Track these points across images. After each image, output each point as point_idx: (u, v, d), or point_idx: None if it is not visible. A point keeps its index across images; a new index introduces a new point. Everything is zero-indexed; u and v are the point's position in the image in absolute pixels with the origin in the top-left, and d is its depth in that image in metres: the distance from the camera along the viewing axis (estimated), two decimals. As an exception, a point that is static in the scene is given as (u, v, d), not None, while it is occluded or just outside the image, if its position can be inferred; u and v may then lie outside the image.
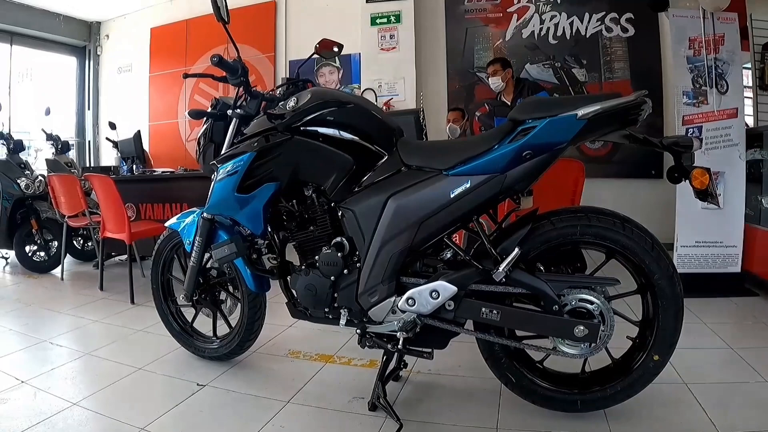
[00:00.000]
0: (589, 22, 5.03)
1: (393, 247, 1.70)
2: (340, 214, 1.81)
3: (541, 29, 5.12)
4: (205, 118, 2.09)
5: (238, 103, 1.97)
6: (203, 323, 2.43)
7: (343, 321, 1.82)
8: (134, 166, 4.63)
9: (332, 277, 1.81)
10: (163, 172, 4.65)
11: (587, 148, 4.96)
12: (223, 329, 2.37)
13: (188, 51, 6.36)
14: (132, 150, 4.59)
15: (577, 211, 1.65)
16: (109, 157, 5.94)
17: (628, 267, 1.68)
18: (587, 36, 5.00)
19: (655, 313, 1.64)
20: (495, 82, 4.13)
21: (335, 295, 1.83)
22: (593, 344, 1.58)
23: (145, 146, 5.14)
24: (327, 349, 2.45)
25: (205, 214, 2.08)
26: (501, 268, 1.57)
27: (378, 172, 1.76)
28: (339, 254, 1.79)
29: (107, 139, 5.06)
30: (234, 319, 2.30)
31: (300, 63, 2.18)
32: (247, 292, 2.14)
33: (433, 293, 1.66)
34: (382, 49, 5.45)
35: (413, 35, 5.36)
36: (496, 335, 1.70)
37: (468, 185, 1.59)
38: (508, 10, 5.27)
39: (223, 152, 1.95)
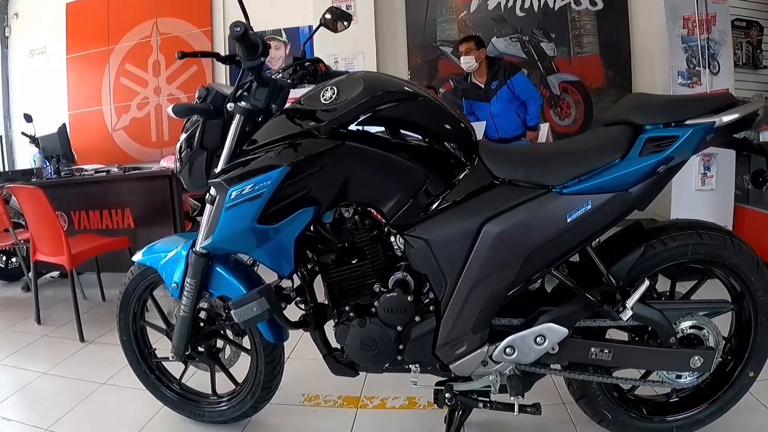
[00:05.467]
0: (557, -6, 4.68)
1: (490, 287, 1.27)
2: (402, 244, 1.33)
3: (507, 1, 4.70)
4: (191, 116, 1.48)
5: (240, 93, 1.37)
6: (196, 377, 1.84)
7: (416, 372, 1.41)
8: (59, 166, 3.77)
9: (399, 327, 1.34)
10: (96, 171, 3.81)
11: (556, 125, 4.68)
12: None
13: (110, 28, 5.37)
14: (57, 147, 3.74)
15: (686, 228, 1.38)
16: (25, 156, 4.91)
17: (726, 283, 1.47)
18: (555, 9, 4.65)
19: (754, 329, 1.44)
20: (468, 62, 3.65)
21: (401, 347, 1.38)
22: (704, 374, 1.39)
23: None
24: (348, 388, 1.95)
25: (199, 249, 1.49)
26: (630, 305, 1.27)
27: (460, 189, 1.30)
28: (408, 298, 1.30)
29: (23, 134, 4.11)
30: (235, 371, 1.74)
31: (305, 38, 1.60)
32: (263, 344, 1.59)
33: (539, 338, 1.32)
34: (338, 21, 4.79)
35: (372, 6, 4.77)
36: (594, 373, 1.40)
37: (589, 207, 1.24)
38: (472, -20, 4.80)
39: (225, 164, 1.36)
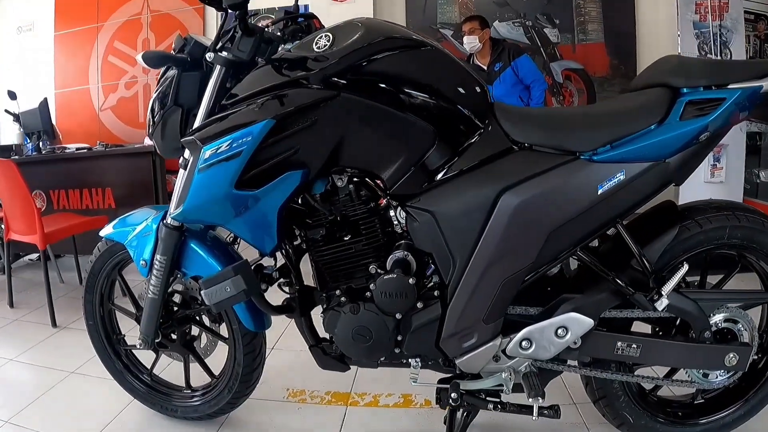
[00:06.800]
0: (562, -21, 4.48)
1: (506, 268, 1.09)
2: (403, 218, 1.14)
3: (511, -16, 4.50)
4: (165, 67, 1.27)
5: (222, 43, 1.17)
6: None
7: (416, 368, 1.22)
8: (41, 143, 3.54)
9: (398, 315, 1.15)
10: (77, 149, 3.57)
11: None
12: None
13: (99, 5, 5.10)
14: (38, 123, 3.50)
15: (722, 208, 1.21)
16: (8, 134, 4.67)
17: (760, 272, 1.29)
18: (560, -6, 4.45)
19: None
20: (471, 42, 3.45)
21: (399, 338, 1.18)
22: (737, 372, 1.23)
23: (53, 118, 4.00)
24: (336, 382, 1.75)
25: (170, 221, 1.29)
26: (665, 292, 1.11)
27: (472, 154, 1.11)
28: (410, 280, 1.10)
29: (6, 111, 3.87)
30: (212, 362, 1.55)
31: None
32: (241, 331, 1.39)
33: (560, 330, 1.15)
34: (334, 0, 4.57)
35: (370, -16, 4.55)
36: (617, 371, 1.24)
37: (623, 177, 1.08)
38: (475, -38, 4.59)
39: (201, 120, 1.16)
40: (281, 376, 1.83)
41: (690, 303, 1.16)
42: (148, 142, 3.53)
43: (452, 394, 1.21)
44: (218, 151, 1.08)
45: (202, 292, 1.19)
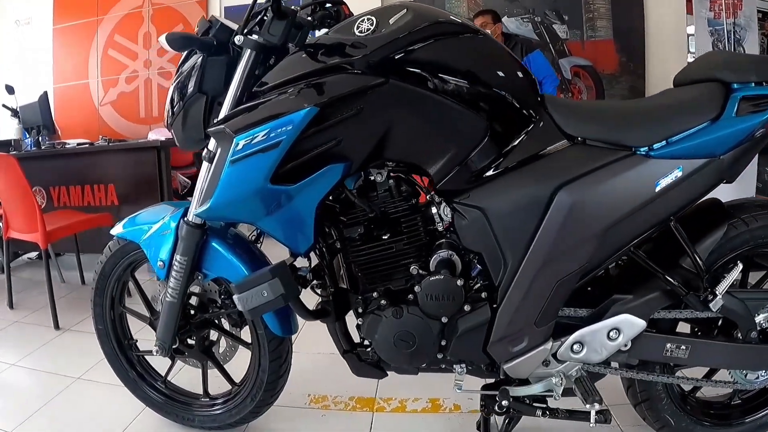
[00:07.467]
0: (571, -25, 4.42)
1: (562, 269, 1.03)
2: (447, 215, 1.07)
3: (520, -21, 4.41)
4: (186, 53, 1.16)
5: (251, 27, 1.07)
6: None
7: (461, 374, 1.15)
8: (40, 138, 3.41)
9: (444, 319, 1.07)
10: (78, 144, 3.45)
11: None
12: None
13: (99, -3, 4.97)
14: (37, 117, 3.37)
15: (766, 206, 1.17)
16: (6, 129, 4.52)
17: None
18: (569, -10, 4.37)
19: None
20: (483, 36, 3.38)
21: (443, 343, 1.11)
22: None
23: (52, 113, 3.86)
24: (359, 387, 1.65)
25: (192, 218, 1.19)
26: (720, 292, 1.06)
27: (526, 148, 1.04)
28: (458, 282, 1.02)
29: (4, 106, 3.73)
30: (230, 367, 1.45)
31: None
32: (267, 336, 1.28)
33: (612, 333, 1.09)
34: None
35: (377, -24, 4.43)
36: (662, 373, 1.18)
37: (680, 173, 1.03)
38: (484, -44, 4.50)
39: (229, 109, 1.06)
40: (300, 380, 1.71)
41: (738, 303, 1.11)
42: (152, 136, 3.42)
43: (503, 402, 1.13)
44: (253, 142, 0.98)
45: (235, 297, 1.09)
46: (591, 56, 4.39)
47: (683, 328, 1.22)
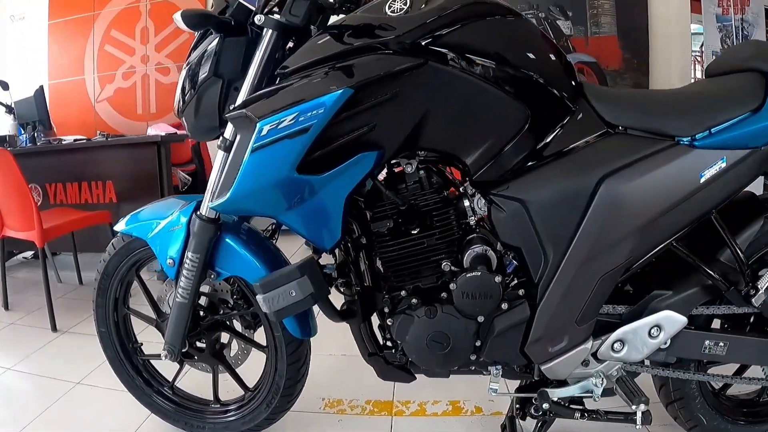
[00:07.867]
0: (575, -30, 4.37)
1: (606, 263, 0.98)
2: (481, 208, 1.00)
3: (524, -26, 4.35)
4: (200, 35, 1.08)
5: (270, 7, 0.98)
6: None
7: (497, 376, 1.08)
8: (36, 134, 3.30)
9: (480, 318, 1.00)
10: (75, 140, 3.34)
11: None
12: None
13: (96, -9, 4.85)
14: (33, 112, 3.27)
15: None
16: (0, 125, 4.41)
17: None
18: (573, -14, 4.32)
19: None
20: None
21: (478, 343, 1.04)
22: None
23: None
24: (375, 390, 1.58)
25: (206, 212, 1.10)
26: (762, 287, 1.02)
27: (567, 137, 0.98)
28: (496, 278, 0.94)
29: (-2, 102, 3.63)
30: (244, 371, 1.36)
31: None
32: (285, 339, 1.20)
33: (653, 330, 1.04)
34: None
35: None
36: (697, 371, 1.16)
37: (724, 164, 0.99)
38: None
39: (248, 93, 0.97)
40: (313, 384, 1.62)
41: None
42: (150, 132, 3.31)
43: (543, 404, 1.06)
44: (279, 127, 0.89)
45: (258, 297, 1.00)
46: (595, 52, 4.33)
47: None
